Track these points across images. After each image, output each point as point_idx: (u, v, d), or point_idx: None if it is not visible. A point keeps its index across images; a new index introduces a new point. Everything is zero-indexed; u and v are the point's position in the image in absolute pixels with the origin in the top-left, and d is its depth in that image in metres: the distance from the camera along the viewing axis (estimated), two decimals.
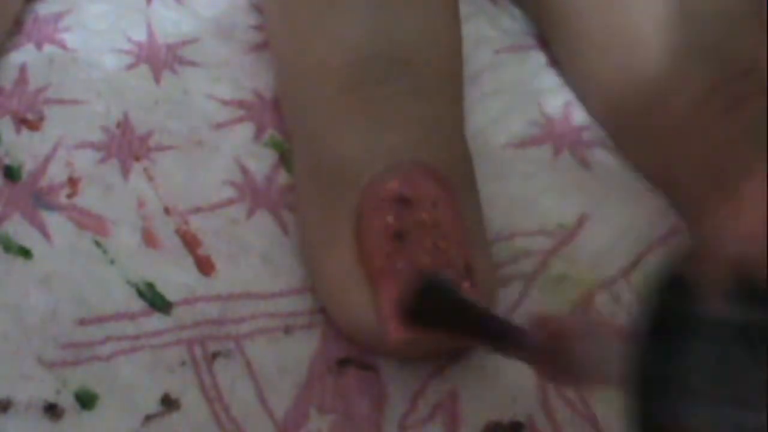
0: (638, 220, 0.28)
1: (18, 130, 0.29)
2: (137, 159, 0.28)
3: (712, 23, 0.27)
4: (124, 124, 0.29)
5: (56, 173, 0.28)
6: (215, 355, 0.25)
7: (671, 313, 0.18)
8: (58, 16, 0.32)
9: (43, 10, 0.32)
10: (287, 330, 0.25)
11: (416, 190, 0.24)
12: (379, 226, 0.24)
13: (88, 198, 0.27)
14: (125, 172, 0.28)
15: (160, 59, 0.31)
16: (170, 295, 0.26)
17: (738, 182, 0.25)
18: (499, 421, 0.24)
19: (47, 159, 0.28)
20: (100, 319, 0.25)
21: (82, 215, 0.27)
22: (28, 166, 0.28)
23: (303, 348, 0.25)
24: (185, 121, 0.29)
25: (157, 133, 0.29)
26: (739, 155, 0.26)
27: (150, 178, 0.28)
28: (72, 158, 0.28)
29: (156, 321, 0.25)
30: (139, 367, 0.24)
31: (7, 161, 0.28)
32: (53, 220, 0.27)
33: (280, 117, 0.29)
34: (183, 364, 0.24)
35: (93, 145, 0.28)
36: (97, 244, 0.26)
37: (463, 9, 0.29)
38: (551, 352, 0.20)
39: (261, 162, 0.28)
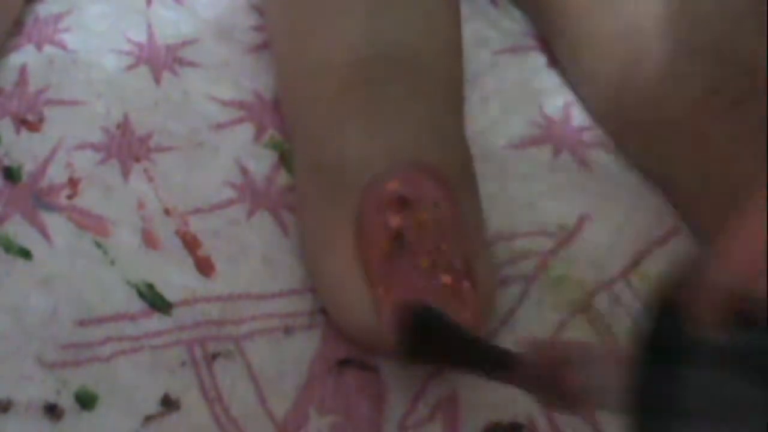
0: (637, 220, 0.28)
1: (18, 131, 0.29)
2: (137, 160, 0.28)
3: (712, 23, 0.27)
4: (124, 125, 0.29)
5: (56, 174, 0.28)
6: (215, 356, 0.25)
7: (668, 338, 0.18)
8: (58, 17, 0.32)
9: (43, 11, 0.32)
10: (287, 330, 0.25)
11: (416, 191, 0.24)
12: (379, 227, 0.24)
13: (88, 199, 0.27)
14: (125, 173, 0.28)
15: (160, 60, 0.31)
16: (170, 295, 0.26)
17: (737, 183, 0.25)
18: (499, 421, 0.24)
19: (47, 160, 0.28)
20: (100, 320, 0.25)
21: (82, 216, 0.27)
22: (28, 166, 0.28)
23: (303, 348, 0.25)
24: (185, 121, 0.29)
25: (157, 134, 0.29)
26: (738, 155, 0.26)
27: (150, 179, 0.28)
28: (72, 159, 0.28)
29: (156, 322, 0.25)
30: (139, 367, 0.24)
31: (7, 162, 0.28)
32: (53, 221, 0.27)
33: (280, 117, 0.29)
34: (183, 364, 0.24)
35: (93, 146, 0.28)
36: (98, 244, 0.26)
37: (464, 10, 0.29)
38: (548, 378, 0.20)
39: (261, 162, 0.28)
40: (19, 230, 0.26)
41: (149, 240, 0.27)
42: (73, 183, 0.28)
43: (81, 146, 0.28)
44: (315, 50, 0.27)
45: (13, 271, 0.26)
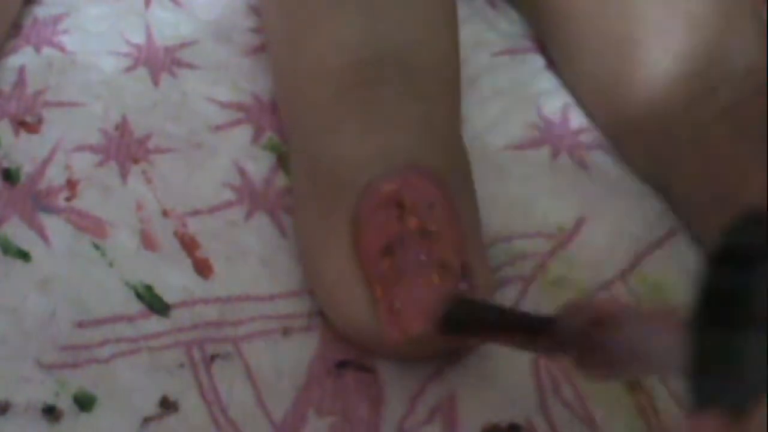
0: (636, 222, 0.28)
1: (16, 133, 0.29)
2: (136, 161, 0.28)
3: (712, 23, 0.27)
4: (122, 127, 0.29)
5: (55, 176, 0.28)
6: (213, 357, 0.25)
7: (724, 293, 0.16)
8: (56, 19, 0.32)
9: (41, 12, 0.32)
10: (285, 332, 0.25)
11: (413, 193, 0.24)
12: (376, 229, 0.24)
13: (86, 200, 0.27)
14: (124, 174, 0.28)
15: (158, 62, 0.31)
16: (169, 297, 0.26)
17: (736, 184, 0.25)
18: (498, 423, 0.24)
19: (46, 162, 0.28)
20: (99, 322, 0.25)
21: (80, 218, 0.27)
22: (27, 168, 0.28)
23: (301, 350, 0.25)
24: (183, 123, 0.29)
25: (155, 136, 0.29)
26: (738, 156, 0.26)
27: (148, 181, 0.28)
28: (70, 161, 0.28)
29: (154, 323, 0.25)
30: (137, 369, 0.24)
31: (5, 164, 0.28)
32: (52, 223, 0.27)
33: (279, 119, 0.29)
34: (181, 366, 0.24)
35: (91, 148, 0.28)
36: (96, 246, 0.26)
37: (461, 12, 0.29)
38: (589, 340, 0.19)
39: (259, 164, 0.29)
40: (17, 232, 0.26)
41: (148, 241, 0.27)
42: (71, 185, 0.28)
43: (80, 148, 0.28)
44: (311, 52, 0.27)
45: (11, 272, 0.26)
